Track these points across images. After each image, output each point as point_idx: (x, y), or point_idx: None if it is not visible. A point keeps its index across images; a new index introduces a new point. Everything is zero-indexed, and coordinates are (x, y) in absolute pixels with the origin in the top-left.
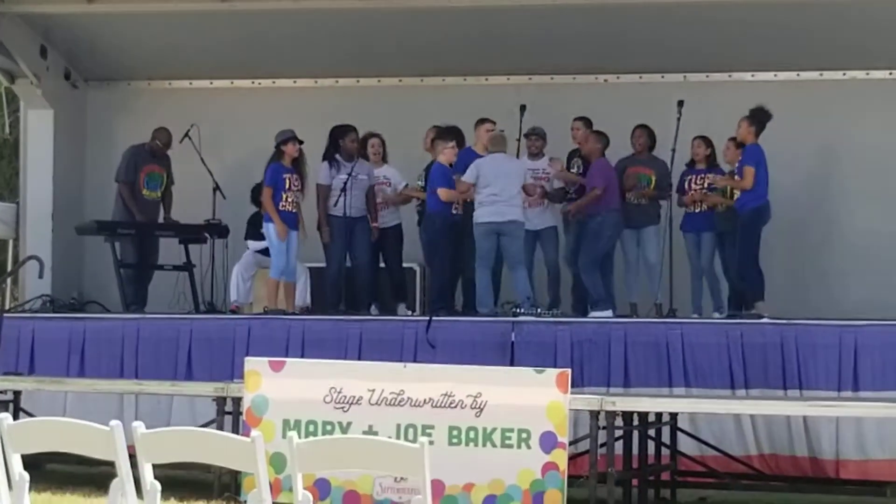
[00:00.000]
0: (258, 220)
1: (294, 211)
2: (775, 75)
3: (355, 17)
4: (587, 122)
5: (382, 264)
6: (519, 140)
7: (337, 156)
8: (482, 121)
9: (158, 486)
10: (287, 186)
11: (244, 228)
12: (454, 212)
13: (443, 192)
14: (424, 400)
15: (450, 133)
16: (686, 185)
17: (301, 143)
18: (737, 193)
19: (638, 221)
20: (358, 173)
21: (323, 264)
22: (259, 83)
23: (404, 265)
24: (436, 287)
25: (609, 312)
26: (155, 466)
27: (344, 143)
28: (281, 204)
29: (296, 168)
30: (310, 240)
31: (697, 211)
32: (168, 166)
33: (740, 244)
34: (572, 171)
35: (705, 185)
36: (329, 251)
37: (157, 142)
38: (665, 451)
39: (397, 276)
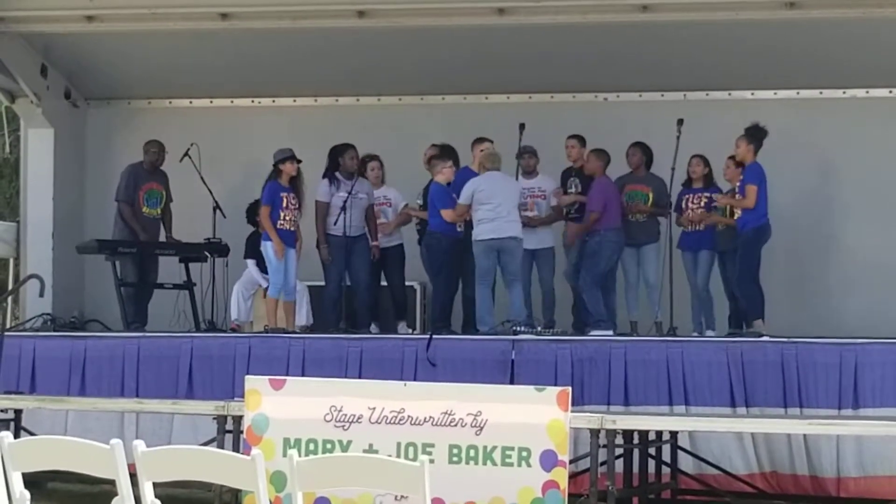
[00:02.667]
0: (257, 239)
1: (292, 229)
2: (775, 93)
3: (355, 35)
4: (581, 140)
5: (384, 283)
6: (520, 157)
7: (337, 174)
8: (479, 140)
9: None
10: (285, 205)
11: (244, 247)
12: (458, 229)
13: (446, 213)
14: (425, 418)
15: (446, 152)
16: (683, 204)
17: (299, 162)
18: (737, 212)
19: (637, 239)
20: (358, 192)
21: (323, 283)
22: (259, 102)
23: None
24: (438, 305)
25: (609, 333)
26: (156, 485)
27: (343, 161)
28: (279, 222)
29: (293, 187)
30: (310, 259)
31: (694, 230)
32: (166, 183)
33: (741, 263)
34: (570, 190)
35: (702, 203)
36: (328, 270)
37: (153, 151)
38: (665, 470)
39: (399, 295)
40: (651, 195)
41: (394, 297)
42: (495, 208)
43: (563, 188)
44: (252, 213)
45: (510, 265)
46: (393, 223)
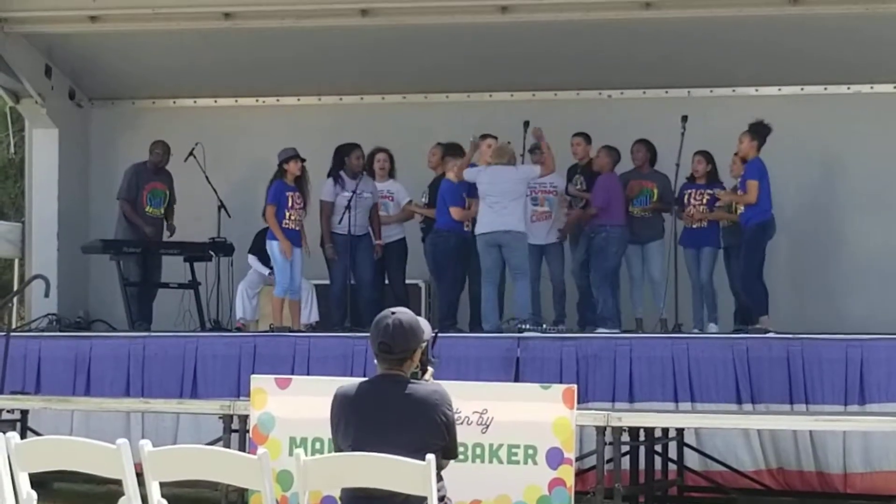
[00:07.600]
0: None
1: (297, 228)
2: (779, 90)
3: (359, 34)
4: (587, 138)
5: (387, 281)
6: (523, 155)
7: (342, 173)
8: (484, 136)
9: (166, 503)
10: (290, 204)
11: (249, 246)
12: (465, 228)
13: (455, 211)
14: None
15: (458, 150)
16: (685, 200)
17: (303, 160)
18: (740, 208)
19: (642, 236)
20: (363, 191)
21: (328, 281)
22: (263, 101)
23: (410, 281)
24: (445, 304)
25: (615, 331)
26: (162, 484)
27: (349, 161)
28: (284, 222)
29: (298, 186)
30: (315, 257)
31: (697, 227)
32: (170, 183)
33: (744, 259)
34: (576, 187)
35: (704, 200)
36: (333, 269)
37: (157, 152)
38: (672, 467)
39: (400, 292)
40: (656, 191)
41: (394, 293)
42: (494, 203)
43: (567, 185)
44: None
45: (512, 259)
46: (395, 217)
